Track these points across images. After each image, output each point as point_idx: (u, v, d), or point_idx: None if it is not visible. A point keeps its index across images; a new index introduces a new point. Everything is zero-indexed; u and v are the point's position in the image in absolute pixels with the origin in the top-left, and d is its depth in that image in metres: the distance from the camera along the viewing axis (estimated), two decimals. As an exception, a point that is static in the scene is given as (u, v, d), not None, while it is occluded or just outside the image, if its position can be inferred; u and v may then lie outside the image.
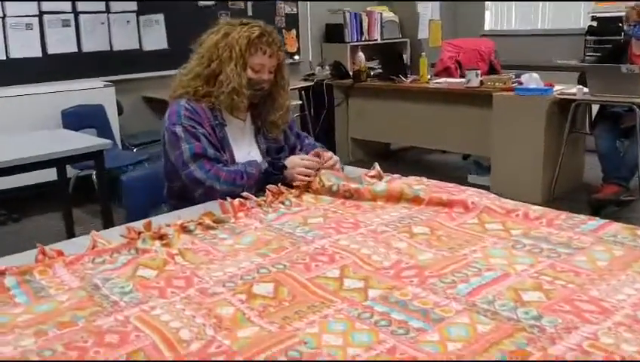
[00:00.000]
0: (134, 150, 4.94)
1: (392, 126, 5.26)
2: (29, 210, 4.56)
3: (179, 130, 1.92)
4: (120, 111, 4.91)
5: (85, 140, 3.11)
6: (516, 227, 1.54)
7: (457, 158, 5.77)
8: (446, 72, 5.72)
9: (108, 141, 3.01)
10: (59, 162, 2.88)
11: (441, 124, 4.85)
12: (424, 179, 1.96)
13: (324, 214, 1.68)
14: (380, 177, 1.94)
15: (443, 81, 4.99)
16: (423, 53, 5.14)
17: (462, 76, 5.61)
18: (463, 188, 1.86)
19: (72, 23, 4.91)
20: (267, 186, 1.82)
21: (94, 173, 4.17)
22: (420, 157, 6.08)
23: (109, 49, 5.14)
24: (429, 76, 5.14)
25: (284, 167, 1.89)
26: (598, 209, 3.92)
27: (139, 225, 1.57)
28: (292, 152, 2.18)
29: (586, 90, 4.04)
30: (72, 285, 1.29)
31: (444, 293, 1.20)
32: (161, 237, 1.51)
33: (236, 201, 1.73)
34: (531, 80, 4.22)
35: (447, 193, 1.79)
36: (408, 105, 5.12)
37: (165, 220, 1.65)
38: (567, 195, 4.43)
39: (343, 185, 1.81)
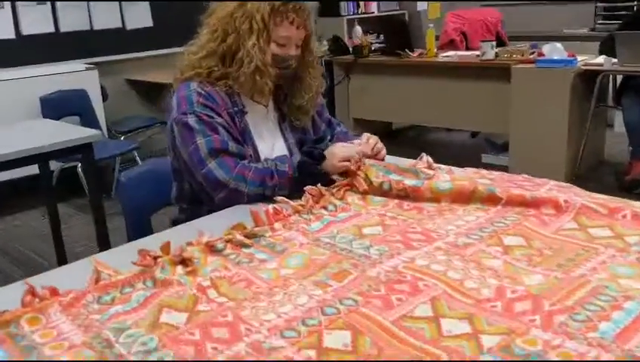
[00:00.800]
0: (122, 138, 4.55)
1: (398, 104, 4.92)
2: (7, 207, 4.17)
3: (192, 120, 1.57)
4: (105, 97, 4.51)
5: (71, 131, 2.73)
6: (630, 232, 1.23)
7: (464, 136, 5.46)
8: (451, 44, 5.37)
9: (97, 132, 2.64)
10: (43, 158, 2.50)
11: (452, 101, 4.52)
12: (483, 171, 1.64)
13: (380, 221, 1.35)
14: (431, 167, 1.61)
15: (453, 55, 4.64)
16: (431, 25, 4.79)
17: (468, 49, 5.29)
18: (538, 181, 1.54)
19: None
20: (305, 188, 1.48)
21: (79, 164, 3.81)
22: (425, 137, 5.76)
23: (88, 28, 4.71)
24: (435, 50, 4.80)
25: (323, 157, 1.55)
26: (629, 189, 3.65)
27: (151, 242, 1.24)
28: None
29: (613, 60, 3.73)
30: (74, 340, 0.95)
31: (584, 338, 0.88)
32: (184, 261, 1.17)
33: (270, 208, 1.39)
34: (554, 51, 3.91)
35: (520, 188, 1.47)
36: (416, 81, 4.78)
37: (181, 235, 1.31)
38: (591, 174, 4.16)
39: (397, 182, 1.48)
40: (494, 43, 4.25)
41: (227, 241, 1.26)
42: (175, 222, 1.79)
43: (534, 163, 4.07)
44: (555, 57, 3.90)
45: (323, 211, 1.42)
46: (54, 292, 1.06)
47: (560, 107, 3.89)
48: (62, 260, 3.13)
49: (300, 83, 1.73)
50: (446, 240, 1.23)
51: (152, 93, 5.20)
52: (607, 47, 4.02)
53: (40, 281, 1.10)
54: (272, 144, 1.72)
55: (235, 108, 1.64)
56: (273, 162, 1.56)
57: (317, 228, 1.34)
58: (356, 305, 1.00)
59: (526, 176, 1.58)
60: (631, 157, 3.85)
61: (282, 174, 1.54)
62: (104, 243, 2.71)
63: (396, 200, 1.46)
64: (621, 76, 4.06)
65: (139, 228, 1.91)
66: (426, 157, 1.67)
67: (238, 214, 1.49)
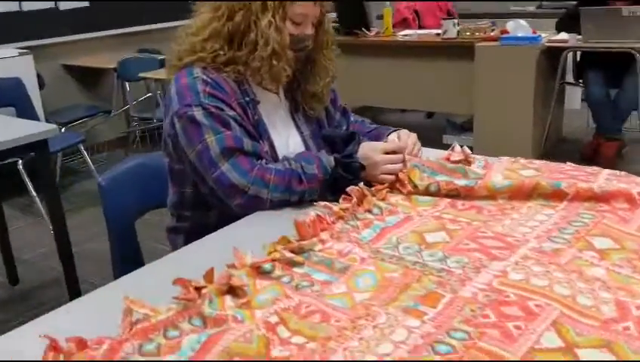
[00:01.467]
0: (62, 130, 4.16)
1: (355, 85, 4.74)
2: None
3: (199, 113, 1.33)
4: (41, 85, 4.10)
5: (20, 127, 2.39)
6: None
7: (419, 117, 5.38)
8: (404, 23, 5.25)
9: (53, 126, 2.32)
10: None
11: (412, 81, 4.39)
12: (522, 160, 1.50)
13: (440, 225, 1.18)
14: (468, 162, 1.45)
15: (413, 33, 4.51)
16: (388, 2, 4.63)
17: (420, 27, 5.19)
18: (589, 169, 1.41)
19: (-32, -23, 4.01)
20: (348, 189, 1.28)
21: (20, 161, 3.44)
22: (379, 118, 5.63)
23: (17, 9, 4.26)
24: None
25: (362, 167, 1.35)
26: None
27: (167, 265, 1.02)
28: None
29: (578, 36, 3.71)
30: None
31: None
32: (232, 290, 0.96)
33: (312, 215, 1.19)
34: (519, 28, 3.84)
35: (574, 179, 1.34)
36: (372, 61, 4.62)
37: (202, 253, 1.10)
38: (555, 152, 4.16)
39: (446, 183, 1.31)
40: (456, 21, 4.15)
41: (274, 260, 1.05)
42: (172, 231, 1.56)
43: (499, 143, 4.01)
44: (520, 34, 3.84)
45: (368, 215, 1.24)
46: (82, 344, 0.83)
47: (525, 85, 3.85)
48: (12, 271, 2.80)
49: (313, 66, 1.52)
50: (528, 246, 1.07)
51: (91, 79, 4.80)
52: (565, 24, 4.00)
53: (47, 325, 0.87)
54: (286, 138, 1.51)
55: (247, 98, 1.42)
56: (298, 163, 1.35)
57: (370, 237, 1.15)
58: (470, 339, 0.83)
59: (572, 164, 1.45)
60: (596, 135, 3.85)
61: (311, 178, 1.33)
62: (66, 251, 2.41)
63: (447, 200, 1.29)
64: (579, 53, 4.05)
65: (122, 236, 1.68)
66: (458, 147, 1.51)
67: (262, 220, 1.28)
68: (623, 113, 3.77)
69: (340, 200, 1.28)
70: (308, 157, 1.37)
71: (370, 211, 1.25)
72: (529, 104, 3.86)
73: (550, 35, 4.00)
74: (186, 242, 1.46)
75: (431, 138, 4.61)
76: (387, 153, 1.38)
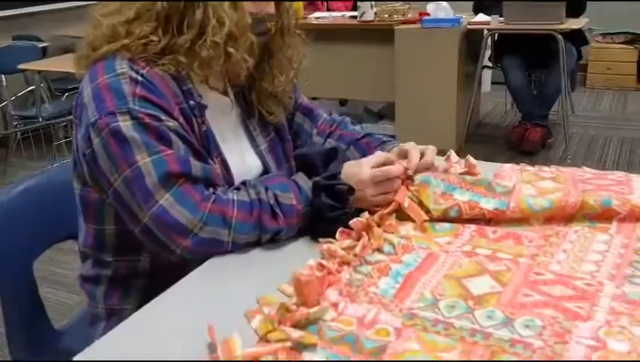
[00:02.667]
0: None
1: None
2: None
3: (127, 125, 0.95)
4: None
5: None
6: None
7: (332, 105, 5.11)
8: (312, 5, 4.94)
9: None
10: None
11: (327, 68, 4.10)
12: (527, 167, 1.25)
13: (479, 266, 0.89)
14: (472, 175, 1.17)
15: (327, 15, 4.22)
16: (297, -17, 4.30)
17: (329, 9, 4.91)
18: (614, 176, 1.18)
19: None
20: (351, 222, 0.95)
21: None
22: (288, 106, 5.32)
23: None
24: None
25: (351, 190, 1.01)
26: (529, 153, 3.60)
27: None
28: (298, 146, 1.31)
29: (500, 18, 3.59)
30: None
31: None
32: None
33: (312, 263, 0.86)
34: (440, 9, 3.66)
35: (600, 188, 1.11)
36: (284, 46, 4.28)
37: (163, 322, 0.75)
38: (478, 137, 4.05)
39: (470, 206, 1.02)
40: (373, 2, 3.90)
41: (276, 349, 0.71)
42: (88, 281, 1.16)
43: (423, 129, 3.84)
44: (441, 16, 3.66)
45: (380, 256, 0.92)
46: None
47: (448, 69, 3.68)
48: None
49: (272, 58, 1.18)
50: (607, 291, 0.81)
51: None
52: (482, 5, 3.89)
53: None
54: (240, 153, 1.16)
55: (191, 102, 1.05)
56: (270, 191, 1.01)
57: (393, 290, 0.84)
58: None
59: (590, 170, 1.22)
60: (522, 121, 3.76)
61: (289, 211, 0.99)
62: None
63: (472, 226, 1.01)
64: (497, 36, 3.95)
65: (14, 281, 1.26)
66: (454, 155, 1.23)
67: (227, 264, 0.94)
68: (549, 100, 3.71)
69: (338, 235, 0.96)
70: (282, 184, 1.02)
71: (380, 250, 0.94)
72: (452, 88, 3.71)
73: (468, 17, 3.86)
74: (108, 295, 1.12)
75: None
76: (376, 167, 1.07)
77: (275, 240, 0.99)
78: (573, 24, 3.46)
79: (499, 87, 4.69)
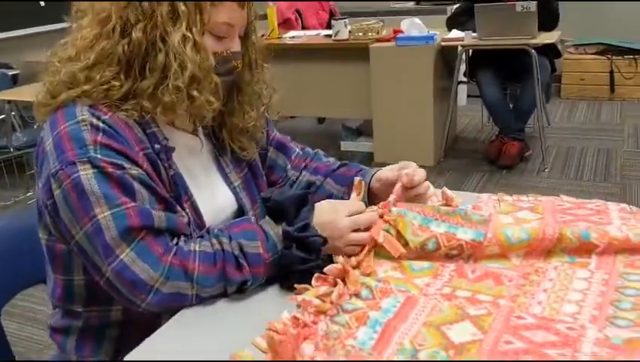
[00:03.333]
0: None
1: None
2: None
3: (88, 176, 0.92)
4: None
5: None
6: None
7: (311, 123, 5.10)
8: (287, 24, 4.94)
9: None
10: None
11: (304, 86, 4.09)
12: (505, 196, 1.24)
13: (460, 311, 0.86)
14: (451, 204, 1.15)
15: (302, 35, 4.21)
16: (271, 3, 4.29)
17: (304, 28, 4.91)
18: (593, 205, 1.16)
19: None
20: (327, 269, 0.93)
21: None
22: (266, 125, 5.29)
23: None
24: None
25: (324, 242, 0.98)
26: (508, 168, 3.61)
27: None
28: (272, 181, 1.29)
29: (473, 34, 3.61)
30: None
31: None
32: None
33: (285, 315, 0.83)
34: (413, 26, 3.67)
35: (579, 218, 1.10)
36: (259, 66, 4.25)
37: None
38: (457, 152, 4.06)
39: (447, 237, 1.00)
40: (347, 20, 3.90)
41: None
42: (58, 332, 1.12)
43: (401, 146, 3.85)
44: (415, 33, 3.67)
45: (358, 302, 0.90)
46: None
47: (424, 86, 3.69)
48: None
49: (241, 93, 1.15)
50: (590, 336, 0.79)
51: None
52: (456, 22, 3.91)
53: None
54: (212, 193, 1.13)
55: (156, 146, 1.02)
56: (235, 240, 0.97)
57: (372, 342, 0.81)
58: None
59: (568, 198, 1.21)
60: (499, 135, 3.77)
61: (255, 261, 0.96)
62: None
63: (451, 266, 0.99)
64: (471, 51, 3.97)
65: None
66: (431, 187, 1.21)
67: (199, 317, 0.90)
68: (524, 113, 3.73)
69: (314, 281, 0.93)
70: (248, 231, 0.99)
71: (358, 295, 0.91)
72: (429, 105, 3.72)
73: (441, 33, 3.88)
74: (79, 346, 1.09)
75: (327, 145, 4.42)
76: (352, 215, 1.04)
77: (242, 291, 0.96)
78: (546, 38, 3.49)
79: (475, 100, 4.71)
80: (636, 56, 4.84)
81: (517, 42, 3.48)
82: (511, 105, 3.86)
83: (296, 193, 1.03)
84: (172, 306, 0.94)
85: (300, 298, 0.87)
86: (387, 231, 1.01)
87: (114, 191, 0.92)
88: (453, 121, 4.34)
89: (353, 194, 1.10)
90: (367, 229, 1.02)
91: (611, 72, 4.92)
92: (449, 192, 1.16)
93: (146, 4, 0.97)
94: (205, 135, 1.16)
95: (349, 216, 1.02)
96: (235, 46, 1.06)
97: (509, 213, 1.15)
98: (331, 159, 1.31)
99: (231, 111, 1.15)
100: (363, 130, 4.37)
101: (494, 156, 3.71)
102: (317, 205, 1.03)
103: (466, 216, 1.03)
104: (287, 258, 0.96)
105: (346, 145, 4.27)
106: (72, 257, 1.02)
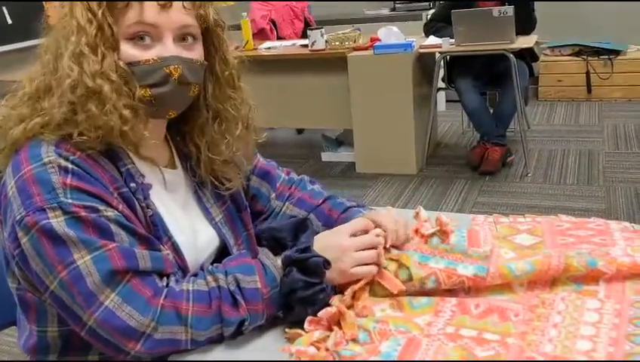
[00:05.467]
0: None
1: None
2: None
3: (59, 222, 0.84)
4: None
5: None
6: None
7: (289, 133, 5.03)
8: (261, 34, 4.87)
9: None
10: None
11: (281, 98, 4.02)
12: (501, 218, 1.18)
13: (465, 351, 0.80)
14: (444, 233, 1.09)
15: (279, 45, 4.14)
16: (244, 14, 4.21)
17: (279, 38, 4.85)
18: (594, 225, 1.11)
19: None
20: (321, 314, 0.86)
21: None
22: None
23: None
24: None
25: (327, 263, 0.91)
26: (490, 173, 3.58)
27: None
28: (256, 211, 1.21)
29: (451, 40, 3.57)
30: None
31: None
32: None
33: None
34: (391, 34, 3.62)
35: (581, 240, 1.05)
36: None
37: None
38: (437, 159, 4.02)
39: (447, 273, 0.94)
40: (323, 30, 3.84)
41: None
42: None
43: (382, 155, 3.80)
44: (393, 41, 3.63)
45: (357, 348, 0.83)
46: None
47: (403, 94, 3.65)
48: None
49: (219, 120, 1.06)
50: (608, 378, 0.74)
51: None
52: (432, 28, 3.88)
53: None
54: (192, 232, 1.04)
55: (132, 185, 0.94)
56: (230, 275, 0.90)
57: (373, 395, 0.74)
58: None
59: (567, 218, 1.15)
60: (480, 141, 3.74)
61: (253, 296, 0.89)
62: None
63: (452, 300, 0.92)
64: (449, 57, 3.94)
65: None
66: (424, 212, 1.15)
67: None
68: (505, 118, 3.70)
69: (306, 326, 0.86)
70: (244, 265, 0.92)
71: (355, 339, 0.84)
72: (409, 112, 3.67)
73: (418, 40, 3.85)
74: None
75: (307, 156, 4.35)
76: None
77: (240, 333, 0.89)
78: (524, 42, 3.47)
79: (454, 105, 4.69)
80: (611, 57, 4.86)
81: (495, 47, 3.45)
82: (491, 110, 3.83)
83: (295, 219, 0.96)
84: (164, 352, 0.86)
85: (293, 349, 0.80)
86: (385, 268, 0.94)
87: (90, 236, 0.85)
88: (433, 128, 4.30)
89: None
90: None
91: (587, 73, 4.93)
92: (444, 218, 1.10)
93: (65, 30, 0.89)
94: (183, 168, 1.09)
95: (352, 235, 0.96)
96: (167, 51, 0.91)
97: (507, 237, 1.09)
98: (316, 187, 1.24)
99: (210, 143, 1.04)
100: (343, 140, 4.32)
101: (477, 162, 3.68)
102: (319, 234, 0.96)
103: (466, 254, 0.97)
104: (288, 284, 0.89)
105: (326, 156, 4.20)
106: (47, 307, 0.94)
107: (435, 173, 3.78)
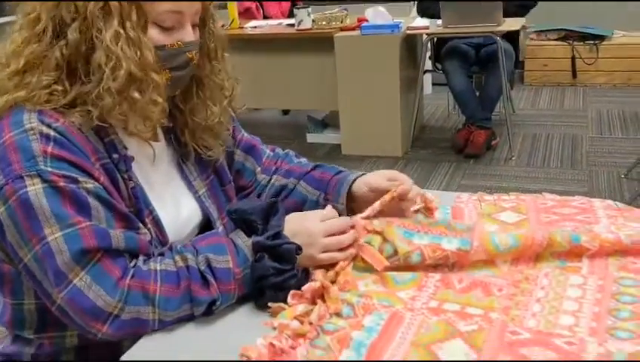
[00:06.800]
0: None
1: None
2: None
3: (37, 191, 0.82)
4: None
5: None
6: None
7: (275, 114, 5.00)
8: (247, 13, 4.81)
9: None
10: None
11: (267, 78, 3.98)
12: (485, 196, 1.18)
13: (449, 326, 0.80)
14: (429, 210, 1.08)
15: (265, 24, 4.09)
16: (230, -7, 4.16)
17: (265, 17, 4.80)
18: (578, 203, 1.12)
19: None
20: (304, 288, 0.85)
21: None
22: (229, 118, 5.16)
23: None
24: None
25: (298, 249, 0.89)
26: (474, 156, 3.58)
27: None
28: (241, 186, 1.20)
29: (438, 22, 3.56)
30: None
31: None
32: None
33: (260, 341, 0.75)
34: (378, 15, 3.59)
35: (564, 218, 1.05)
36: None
37: None
38: (423, 142, 4.02)
39: (432, 248, 0.93)
40: (310, 10, 3.80)
41: None
42: (8, 360, 1.01)
43: (368, 137, 3.79)
44: (380, 22, 3.60)
45: (339, 321, 0.82)
46: None
47: (390, 75, 3.63)
48: None
49: (202, 88, 1.05)
50: (591, 351, 0.74)
51: None
52: (425, 9, 3.86)
53: None
54: (176, 206, 1.03)
55: (115, 156, 0.92)
56: (201, 255, 0.88)
57: (358, 368, 0.74)
58: None
59: (551, 195, 1.16)
60: (466, 124, 3.74)
61: (224, 276, 0.87)
62: None
63: (436, 275, 0.92)
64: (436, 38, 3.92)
65: None
66: (417, 189, 1.14)
67: (164, 347, 0.82)
68: (491, 101, 3.70)
69: (289, 299, 0.85)
70: (215, 245, 0.90)
71: (339, 313, 0.84)
72: (395, 94, 3.66)
73: (406, 21, 3.82)
74: None
75: (292, 137, 4.33)
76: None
77: (210, 313, 0.87)
78: (511, 25, 3.47)
79: (440, 88, 4.69)
80: (596, 42, 4.88)
81: (482, 30, 3.44)
82: (477, 94, 3.83)
83: (264, 202, 0.95)
84: (132, 334, 0.85)
85: (276, 322, 0.79)
86: (368, 242, 0.94)
87: (66, 209, 0.83)
88: (419, 111, 4.30)
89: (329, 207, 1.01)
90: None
91: (573, 58, 4.95)
92: (429, 195, 1.09)
93: (79, 2, 0.87)
94: (166, 140, 1.07)
95: (321, 221, 0.95)
96: (188, 36, 0.95)
97: (491, 214, 1.09)
98: (303, 160, 1.23)
99: (192, 109, 1.05)
100: (329, 122, 4.30)
101: (461, 145, 3.68)
102: (287, 216, 0.95)
103: (450, 226, 0.97)
104: (259, 270, 0.88)
105: (312, 138, 4.18)
106: (23, 279, 0.92)
107: (420, 156, 3.78)
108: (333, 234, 0.93)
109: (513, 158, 3.56)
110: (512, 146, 3.65)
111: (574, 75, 4.97)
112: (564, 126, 4.08)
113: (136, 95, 0.89)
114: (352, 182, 1.08)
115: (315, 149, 4.04)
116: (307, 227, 0.92)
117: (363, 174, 1.10)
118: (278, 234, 0.89)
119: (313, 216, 0.95)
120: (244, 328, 0.83)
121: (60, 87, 0.88)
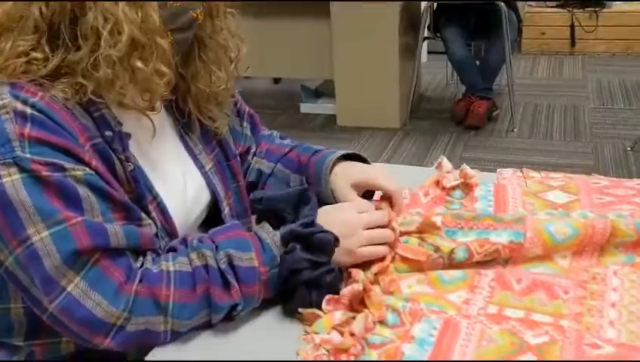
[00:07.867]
0: None
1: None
2: None
3: (12, 182, 0.68)
4: None
5: None
6: None
7: (266, 83, 4.82)
8: (236, -24, 4.59)
9: None
10: None
11: (257, 45, 3.80)
12: (531, 172, 1.06)
13: (514, 336, 0.68)
14: (468, 186, 0.97)
15: (255, -12, 3.89)
16: (220, -47, 3.93)
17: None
18: (632, 183, 1.00)
19: None
20: (343, 292, 0.73)
21: None
22: (218, 86, 4.96)
23: None
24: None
25: (335, 240, 0.77)
26: (476, 128, 3.47)
27: None
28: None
29: (439, -14, 3.40)
30: None
31: None
32: None
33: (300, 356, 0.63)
34: (376, -22, 3.42)
35: (621, 200, 0.94)
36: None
37: None
38: (422, 113, 3.88)
39: (479, 243, 0.81)
40: (304, -27, 3.61)
41: None
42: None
43: (364, 109, 3.65)
44: (378, -14, 3.42)
45: (386, 332, 0.70)
46: None
47: (389, 43, 3.47)
48: None
49: (205, 51, 0.90)
50: (689, 369, 0.63)
51: None
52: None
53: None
54: (182, 183, 0.90)
55: (108, 133, 0.78)
56: (221, 251, 0.75)
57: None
58: None
59: (600, 177, 1.04)
60: (466, 94, 3.61)
61: (248, 277, 0.74)
62: None
63: (490, 273, 0.80)
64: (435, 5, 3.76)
65: None
66: (447, 163, 1.02)
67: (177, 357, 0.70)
68: (492, 71, 3.57)
69: (324, 305, 0.73)
70: (238, 239, 0.77)
71: (383, 322, 0.72)
72: (394, 62, 3.51)
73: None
74: None
75: (285, 107, 4.17)
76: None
77: (230, 319, 0.75)
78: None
79: (436, 56, 4.54)
80: (597, 9, 4.74)
81: (485, -4, 3.29)
82: (477, 63, 3.69)
83: (296, 189, 0.82)
84: (139, 345, 0.72)
85: (317, 338, 0.67)
86: (405, 242, 0.82)
87: (52, 203, 0.69)
88: (417, 80, 4.16)
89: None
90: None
91: (572, 26, 4.81)
92: (469, 170, 0.97)
93: None
94: (165, 108, 0.92)
95: (359, 212, 0.82)
96: None
97: (537, 193, 0.97)
98: (287, 141, 1.09)
99: (194, 74, 0.90)
100: (323, 91, 4.14)
101: (461, 116, 3.56)
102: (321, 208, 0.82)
103: (497, 218, 0.85)
104: (290, 263, 0.75)
105: (306, 108, 4.03)
106: (6, 282, 0.79)
107: (419, 127, 3.65)
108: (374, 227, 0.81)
109: (515, 130, 3.45)
110: (513, 118, 3.54)
111: (573, 44, 4.85)
112: (564, 96, 3.97)
113: (139, 64, 0.75)
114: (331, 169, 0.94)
115: (309, 120, 3.89)
116: (345, 218, 0.80)
117: (343, 155, 0.97)
118: (312, 223, 0.76)
119: (349, 207, 0.82)
120: (272, 341, 0.71)
121: (39, 55, 0.73)
